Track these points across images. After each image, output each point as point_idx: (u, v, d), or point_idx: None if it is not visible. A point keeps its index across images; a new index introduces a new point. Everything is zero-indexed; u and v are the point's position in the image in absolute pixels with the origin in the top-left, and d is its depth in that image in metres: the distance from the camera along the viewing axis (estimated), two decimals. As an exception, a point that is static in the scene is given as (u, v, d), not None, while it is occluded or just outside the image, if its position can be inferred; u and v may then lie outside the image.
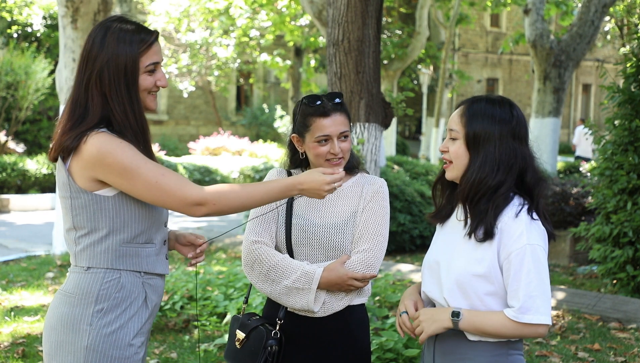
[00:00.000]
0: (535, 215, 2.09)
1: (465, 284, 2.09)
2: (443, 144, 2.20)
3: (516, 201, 2.10)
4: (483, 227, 2.07)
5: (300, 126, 2.47)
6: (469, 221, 2.13)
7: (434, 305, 2.23)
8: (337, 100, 2.47)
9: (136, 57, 2.14)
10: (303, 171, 2.56)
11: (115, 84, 2.12)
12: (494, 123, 2.10)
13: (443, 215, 2.25)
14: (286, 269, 2.40)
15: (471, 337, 2.11)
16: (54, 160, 2.18)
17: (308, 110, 2.45)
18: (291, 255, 2.48)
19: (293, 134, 2.52)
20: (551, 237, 2.13)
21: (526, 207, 2.09)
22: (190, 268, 6.44)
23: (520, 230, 2.04)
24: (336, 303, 2.44)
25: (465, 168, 2.13)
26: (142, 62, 2.16)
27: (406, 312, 2.24)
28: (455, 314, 2.08)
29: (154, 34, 2.20)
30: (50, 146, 2.19)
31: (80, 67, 2.16)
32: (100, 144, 2.08)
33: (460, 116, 2.16)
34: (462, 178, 2.14)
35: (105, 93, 2.12)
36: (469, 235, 2.10)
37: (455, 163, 2.16)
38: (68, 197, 2.15)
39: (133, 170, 2.08)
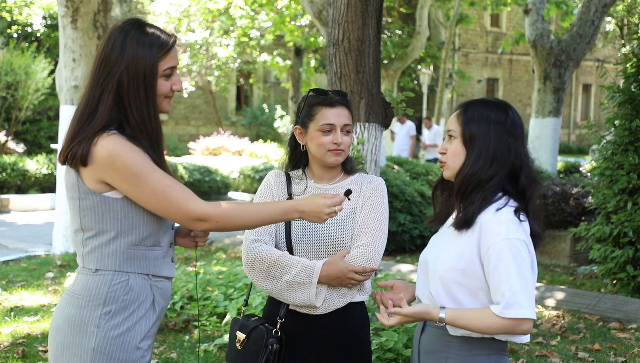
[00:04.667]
0: (522, 216, 2.10)
1: (448, 280, 2.11)
2: (441, 146, 2.23)
3: (502, 200, 2.12)
4: (466, 216, 2.10)
5: (305, 115, 2.50)
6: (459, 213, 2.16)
7: None
8: (343, 96, 2.52)
9: (155, 62, 2.13)
10: (303, 171, 2.58)
11: (134, 89, 2.11)
12: (489, 122, 2.14)
13: (441, 219, 2.29)
14: (286, 265, 2.41)
15: (453, 332, 2.12)
16: (64, 163, 2.16)
17: (314, 100, 2.49)
18: (291, 252, 2.49)
19: (296, 126, 2.54)
20: (537, 237, 2.14)
21: (512, 207, 2.10)
22: (190, 268, 6.44)
23: (499, 225, 2.06)
24: (338, 300, 2.45)
25: (462, 164, 2.16)
26: (161, 66, 2.15)
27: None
28: (441, 320, 2.09)
29: (173, 38, 2.20)
30: (59, 149, 2.18)
31: (97, 70, 2.14)
32: (111, 148, 2.06)
33: (457, 116, 2.20)
34: (457, 173, 2.17)
35: (123, 97, 2.10)
36: (454, 226, 2.13)
37: (451, 162, 2.19)
38: (76, 198, 2.14)
39: (141, 177, 2.07)
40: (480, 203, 2.10)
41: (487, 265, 2.05)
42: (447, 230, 2.23)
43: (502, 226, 2.05)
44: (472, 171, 2.11)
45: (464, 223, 2.10)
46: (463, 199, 2.14)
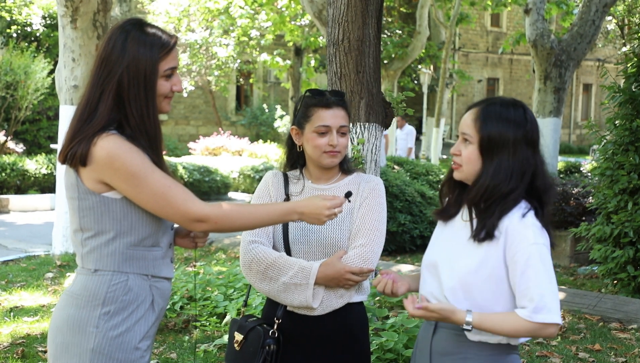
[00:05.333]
0: (542, 222, 2.09)
1: (470, 284, 2.08)
2: (455, 147, 2.17)
3: (523, 204, 2.09)
4: (485, 227, 2.07)
5: (302, 116, 2.49)
6: (474, 223, 2.11)
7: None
8: (340, 97, 2.50)
9: (156, 62, 2.13)
10: (300, 172, 2.56)
11: (135, 89, 2.10)
12: (508, 128, 2.08)
13: (449, 214, 2.24)
14: (283, 266, 2.40)
15: (472, 337, 2.09)
16: (63, 163, 2.16)
17: (311, 101, 2.48)
18: (288, 253, 2.48)
19: (293, 126, 2.53)
20: (551, 246, 2.12)
21: (533, 211, 2.08)
22: (190, 269, 6.43)
23: (527, 230, 2.04)
24: (335, 301, 2.43)
25: (477, 172, 2.11)
26: (161, 67, 2.14)
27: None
28: (468, 323, 2.05)
29: (174, 39, 2.19)
30: (59, 149, 2.17)
31: (97, 69, 2.14)
32: (110, 148, 2.06)
33: (473, 119, 2.13)
34: (474, 183, 2.12)
35: (123, 97, 2.10)
36: (474, 237, 2.09)
37: (466, 167, 2.14)
38: (76, 198, 2.13)
39: (140, 178, 2.06)
40: (499, 215, 2.06)
41: (514, 269, 2.03)
42: (456, 231, 2.19)
43: (530, 231, 2.03)
44: (492, 184, 2.07)
45: (486, 235, 2.07)
46: (479, 209, 2.10)
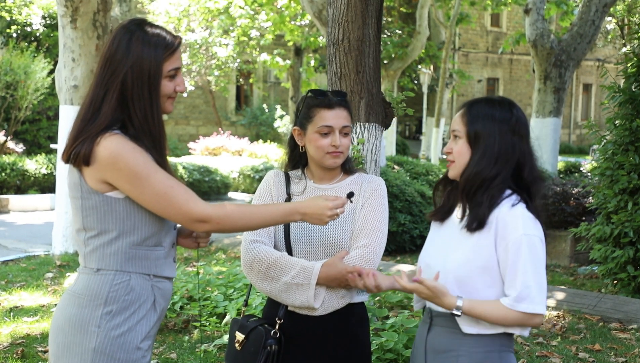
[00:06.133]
0: (532, 211, 2.13)
1: (464, 277, 2.12)
2: (447, 146, 2.24)
3: (513, 197, 2.14)
4: (477, 217, 2.11)
5: (304, 117, 2.49)
6: (466, 214, 2.16)
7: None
8: (342, 97, 2.50)
9: (160, 62, 2.13)
10: (302, 171, 2.57)
11: (138, 89, 2.11)
12: (494, 121, 2.16)
13: (443, 213, 2.28)
14: (285, 266, 2.40)
15: (467, 330, 2.12)
16: (67, 162, 2.16)
17: (313, 102, 2.48)
18: (290, 253, 2.48)
19: (295, 127, 2.53)
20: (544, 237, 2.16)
21: (523, 203, 2.13)
22: (190, 269, 6.44)
23: (516, 220, 2.08)
24: (336, 301, 2.43)
25: (467, 163, 2.17)
26: (165, 67, 2.15)
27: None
28: (458, 307, 2.08)
29: (178, 39, 2.20)
30: (63, 148, 2.18)
31: (101, 69, 2.14)
32: (113, 148, 2.06)
33: (461, 116, 2.21)
34: (462, 173, 2.18)
35: (127, 97, 2.10)
36: (466, 227, 2.14)
37: (457, 161, 2.20)
38: (79, 197, 2.14)
39: (143, 178, 2.07)
40: (489, 203, 2.11)
41: (505, 260, 2.08)
42: (451, 229, 2.22)
43: (520, 222, 2.08)
44: (476, 170, 2.13)
45: (478, 225, 2.11)
46: (469, 199, 2.15)
